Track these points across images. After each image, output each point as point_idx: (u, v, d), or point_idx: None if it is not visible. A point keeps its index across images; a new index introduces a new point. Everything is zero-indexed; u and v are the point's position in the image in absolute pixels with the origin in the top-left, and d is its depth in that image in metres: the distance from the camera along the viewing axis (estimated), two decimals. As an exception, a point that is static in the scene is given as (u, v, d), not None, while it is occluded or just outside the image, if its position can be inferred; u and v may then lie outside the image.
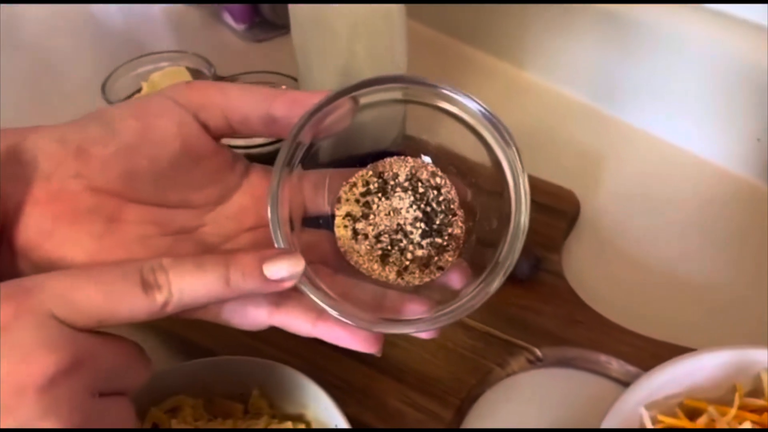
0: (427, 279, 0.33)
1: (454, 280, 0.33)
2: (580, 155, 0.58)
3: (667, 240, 0.51)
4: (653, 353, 0.40)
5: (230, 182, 0.35)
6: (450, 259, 0.34)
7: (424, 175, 0.34)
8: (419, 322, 0.31)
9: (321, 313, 0.31)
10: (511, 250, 0.31)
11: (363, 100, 0.32)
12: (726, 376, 0.33)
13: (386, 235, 0.33)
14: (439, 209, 0.34)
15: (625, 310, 0.46)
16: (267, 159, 0.56)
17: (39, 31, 0.76)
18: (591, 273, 0.49)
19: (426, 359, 0.43)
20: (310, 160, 0.33)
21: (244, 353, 0.40)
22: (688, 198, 0.54)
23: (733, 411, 0.31)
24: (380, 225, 0.34)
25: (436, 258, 0.33)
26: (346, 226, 0.34)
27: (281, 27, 0.70)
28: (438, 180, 0.34)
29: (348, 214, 0.34)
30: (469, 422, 0.42)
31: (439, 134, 0.34)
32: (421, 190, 0.34)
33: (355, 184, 0.34)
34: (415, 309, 0.32)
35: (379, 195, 0.34)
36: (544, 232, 0.50)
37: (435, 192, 0.34)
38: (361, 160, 0.35)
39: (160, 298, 0.27)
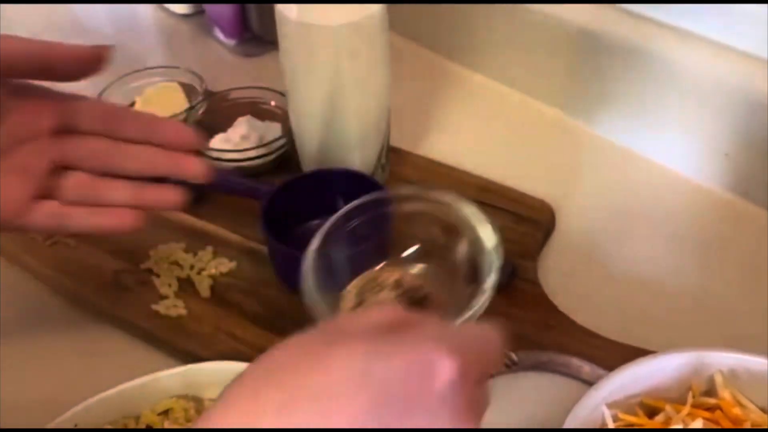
0: None
1: None
2: (556, 168, 0.60)
3: (638, 249, 0.53)
4: (623, 356, 0.42)
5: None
6: None
7: (407, 279, 0.42)
8: None
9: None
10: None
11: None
12: (683, 377, 0.35)
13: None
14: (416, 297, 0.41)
15: (597, 315, 0.47)
16: (258, 172, 0.57)
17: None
18: (565, 280, 0.51)
19: (407, 363, 0.45)
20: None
21: (232, 358, 0.42)
22: (659, 209, 0.56)
23: (686, 409, 0.33)
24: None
25: None
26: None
27: (270, 43, 0.72)
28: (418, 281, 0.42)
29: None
30: (448, 424, 0.43)
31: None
32: (404, 288, 0.42)
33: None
34: None
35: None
36: (521, 241, 0.52)
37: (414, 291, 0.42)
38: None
39: None
